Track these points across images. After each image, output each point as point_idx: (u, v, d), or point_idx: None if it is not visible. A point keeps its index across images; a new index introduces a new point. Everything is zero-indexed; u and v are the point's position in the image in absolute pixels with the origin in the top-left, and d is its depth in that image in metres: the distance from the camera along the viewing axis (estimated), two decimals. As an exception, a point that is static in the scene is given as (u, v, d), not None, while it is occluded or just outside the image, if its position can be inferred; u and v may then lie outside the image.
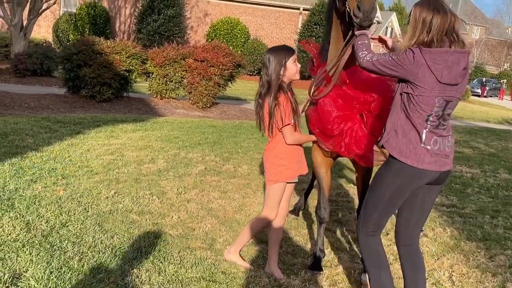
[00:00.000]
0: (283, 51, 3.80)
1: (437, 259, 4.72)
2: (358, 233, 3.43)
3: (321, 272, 4.19)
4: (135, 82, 13.27)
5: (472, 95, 40.07)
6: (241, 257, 4.19)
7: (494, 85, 48.08)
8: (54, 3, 18.33)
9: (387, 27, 54.97)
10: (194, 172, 6.85)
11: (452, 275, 4.42)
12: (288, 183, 3.96)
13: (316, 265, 4.24)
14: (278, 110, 3.72)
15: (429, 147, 3.01)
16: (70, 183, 5.68)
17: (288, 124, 3.76)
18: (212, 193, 6.02)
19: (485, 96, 44.70)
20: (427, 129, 3.01)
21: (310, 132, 4.11)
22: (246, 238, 4.15)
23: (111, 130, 9.06)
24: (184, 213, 5.23)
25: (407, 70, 2.96)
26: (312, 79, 4.22)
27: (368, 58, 3.19)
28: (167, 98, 13.31)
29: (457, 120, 19.89)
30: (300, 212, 5.70)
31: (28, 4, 17.33)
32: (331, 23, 4.04)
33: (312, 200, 5.96)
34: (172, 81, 12.96)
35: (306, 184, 5.98)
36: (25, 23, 17.49)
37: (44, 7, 17.75)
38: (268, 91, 3.76)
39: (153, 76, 13.06)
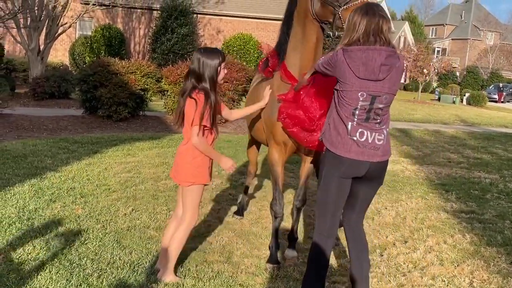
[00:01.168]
0: (218, 55, 3.83)
1: (457, 265, 4.67)
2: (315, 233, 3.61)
3: (279, 265, 4.33)
4: (151, 101, 13.42)
5: (489, 101, 39.68)
6: (177, 275, 4.06)
7: (511, 90, 47.58)
8: (69, 27, 18.65)
9: (399, 37, 54.85)
10: (210, 186, 6.88)
11: (473, 281, 4.37)
12: (205, 185, 3.97)
13: (272, 258, 4.42)
14: (198, 109, 3.70)
15: (355, 138, 3.23)
16: (88, 202, 5.75)
17: (200, 126, 3.73)
18: (228, 207, 6.05)
19: (502, 102, 44.24)
20: (353, 122, 3.23)
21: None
22: (177, 253, 3.96)
23: (128, 149, 9.15)
24: (201, 227, 5.26)
25: (335, 68, 3.25)
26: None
27: (318, 62, 3.49)
28: (183, 115, 13.39)
29: (475, 126, 19.74)
30: (245, 212, 5.84)
31: (44, 28, 17.66)
32: (291, 22, 4.22)
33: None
34: (187, 98, 13.05)
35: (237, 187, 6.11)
36: (42, 47, 17.82)
37: (60, 31, 18.08)
38: (191, 91, 3.77)
39: (168, 94, 13.19)
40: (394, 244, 5.13)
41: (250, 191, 6.62)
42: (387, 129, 3.34)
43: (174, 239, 3.94)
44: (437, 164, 9.99)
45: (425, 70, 33.14)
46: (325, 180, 3.39)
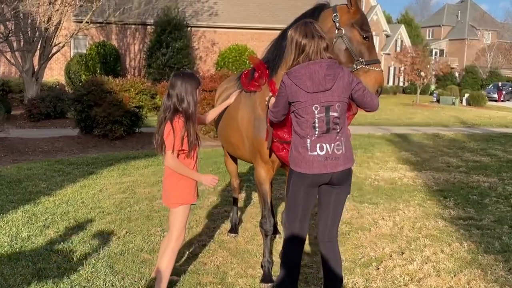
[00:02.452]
0: (195, 80, 3.92)
1: (454, 275, 4.60)
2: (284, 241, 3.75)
3: (274, 284, 4.17)
4: (146, 117, 13.40)
5: (489, 100, 39.67)
6: None
7: (510, 88, 47.56)
8: (63, 46, 18.70)
9: (396, 40, 54.89)
10: (206, 204, 6.84)
11: (471, 291, 4.32)
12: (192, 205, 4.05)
13: (266, 277, 4.38)
14: (176, 135, 3.75)
15: (315, 153, 3.38)
16: (82, 226, 5.70)
17: (174, 150, 3.78)
18: (223, 225, 6.00)
19: (502, 101, 44.21)
20: (313, 137, 3.37)
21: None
22: (167, 277, 3.97)
23: (124, 168, 9.12)
24: (196, 248, 5.21)
25: (287, 95, 3.41)
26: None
27: (269, 113, 3.71)
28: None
29: (474, 128, 19.70)
30: (240, 229, 5.84)
31: (38, 49, 17.70)
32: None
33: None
34: (182, 113, 13.05)
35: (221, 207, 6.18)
36: (36, 68, 17.85)
37: (53, 51, 18.11)
38: (173, 115, 3.80)
39: (163, 110, 13.17)
40: (390, 256, 5.07)
41: (241, 204, 6.59)
42: (345, 138, 3.47)
43: (163, 259, 3.96)
44: (436, 169, 9.94)
45: (422, 73, 33.16)
46: (293, 189, 3.54)
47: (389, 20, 63.74)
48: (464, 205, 7.12)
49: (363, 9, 51.35)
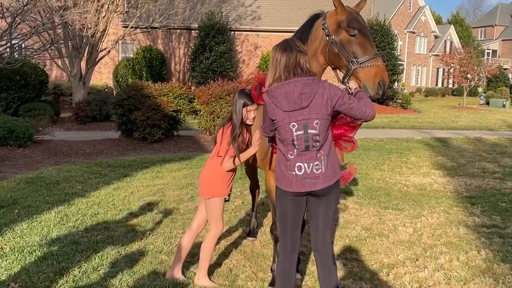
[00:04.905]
0: (244, 99, 4.27)
1: (464, 284, 4.61)
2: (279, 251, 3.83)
3: None
4: (184, 121, 13.75)
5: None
6: (211, 280, 4.55)
7: None
8: (109, 52, 19.37)
9: (445, 41, 53.73)
10: (230, 207, 7.03)
11: (479, 300, 4.32)
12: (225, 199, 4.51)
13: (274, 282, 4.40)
14: (223, 141, 4.28)
15: (293, 173, 3.45)
16: (108, 227, 5.99)
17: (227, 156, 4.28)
18: (244, 228, 6.17)
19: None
20: (294, 155, 3.44)
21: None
22: (207, 260, 4.49)
23: (157, 171, 9.43)
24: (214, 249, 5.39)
25: (269, 112, 3.51)
26: None
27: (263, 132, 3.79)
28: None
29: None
30: (259, 232, 5.97)
31: (85, 55, 18.40)
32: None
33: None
34: (219, 117, 13.33)
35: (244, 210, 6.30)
36: (83, 72, 18.56)
37: (100, 56, 18.79)
38: (226, 122, 4.36)
39: (200, 113, 13.49)
40: (404, 263, 5.11)
41: (262, 208, 6.76)
42: (328, 155, 3.48)
43: (202, 248, 4.48)
44: (470, 175, 9.80)
45: (469, 75, 32.35)
46: (280, 200, 3.63)
47: (439, 21, 62.51)
48: (491, 212, 7.03)
49: (411, 10, 50.69)
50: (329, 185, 3.47)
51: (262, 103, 4.51)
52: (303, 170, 3.44)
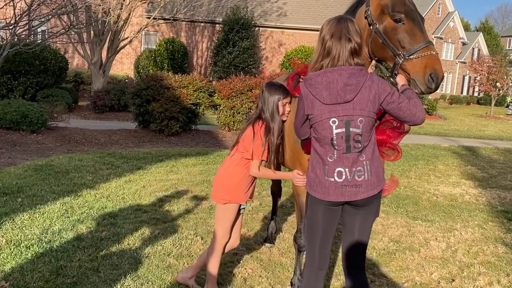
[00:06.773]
0: (279, 91, 3.74)
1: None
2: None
3: None
4: (203, 115, 13.30)
5: None
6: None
7: None
8: (130, 41, 19.01)
9: (473, 48, 52.63)
10: (247, 208, 6.54)
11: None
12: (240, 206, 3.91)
13: None
14: (256, 142, 3.65)
15: (332, 179, 2.94)
16: (115, 223, 5.54)
17: (259, 159, 3.69)
18: (261, 232, 5.68)
19: None
20: (334, 158, 2.93)
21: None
22: (215, 273, 3.95)
23: (172, 165, 8.99)
24: (226, 255, 4.89)
25: (305, 106, 3.00)
26: None
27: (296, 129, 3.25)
28: (235, 130, 13.21)
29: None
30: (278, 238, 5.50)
31: (107, 43, 18.07)
32: None
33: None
34: (239, 113, 12.86)
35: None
36: (104, 61, 18.23)
37: (121, 45, 18.44)
38: (255, 120, 3.73)
39: (220, 108, 13.03)
40: (438, 283, 4.58)
41: (282, 212, 6.28)
42: (372, 160, 2.97)
43: (208, 264, 3.94)
44: (503, 187, 9.19)
45: (498, 84, 31.47)
46: (311, 208, 3.11)
47: (467, 28, 61.40)
48: (532, 230, 6.45)
49: (439, 15, 49.73)
50: (372, 194, 2.93)
51: (298, 94, 4.00)
52: (343, 176, 2.92)
